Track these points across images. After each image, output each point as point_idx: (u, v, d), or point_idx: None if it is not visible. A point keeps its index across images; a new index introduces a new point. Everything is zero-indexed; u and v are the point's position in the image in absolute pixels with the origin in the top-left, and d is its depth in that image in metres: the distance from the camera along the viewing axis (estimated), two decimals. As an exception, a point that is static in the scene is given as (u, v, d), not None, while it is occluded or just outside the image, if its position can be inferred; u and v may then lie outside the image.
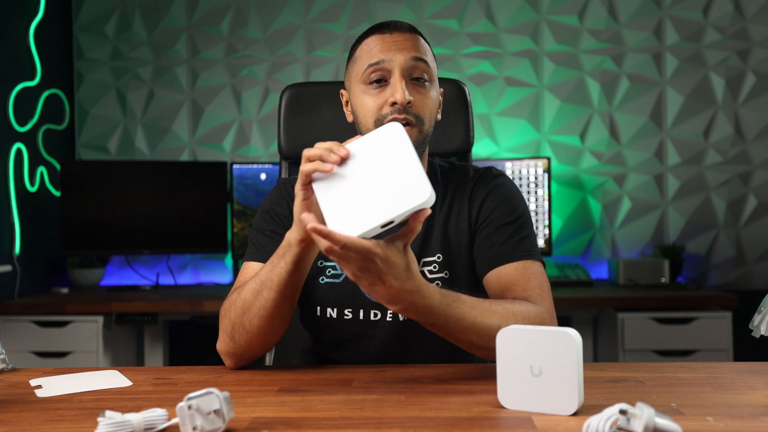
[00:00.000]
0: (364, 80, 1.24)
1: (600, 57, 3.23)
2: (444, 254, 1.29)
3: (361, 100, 1.25)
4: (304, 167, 0.99)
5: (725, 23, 3.18)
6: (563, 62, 3.24)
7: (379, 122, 1.22)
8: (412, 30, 1.27)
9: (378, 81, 1.23)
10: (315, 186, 0.98)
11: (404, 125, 1.21)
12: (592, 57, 3.23)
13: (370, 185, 0.95)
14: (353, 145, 0.99)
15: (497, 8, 3.26)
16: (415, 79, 1.24)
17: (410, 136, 1.21)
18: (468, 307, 1.07)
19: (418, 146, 1.24)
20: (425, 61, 1.24)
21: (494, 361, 0.93)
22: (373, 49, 1.24)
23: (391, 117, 1.21)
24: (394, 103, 1.21)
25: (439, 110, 1.31)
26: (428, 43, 1.29)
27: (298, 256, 1.07)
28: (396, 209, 0.92)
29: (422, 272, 1.29)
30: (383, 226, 0.93)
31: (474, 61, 3.26)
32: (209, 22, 3.33)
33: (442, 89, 1.33)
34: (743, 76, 3.17)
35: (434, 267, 1.29)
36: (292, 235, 1.08)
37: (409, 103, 1.21)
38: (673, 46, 3.20)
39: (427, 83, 1.25)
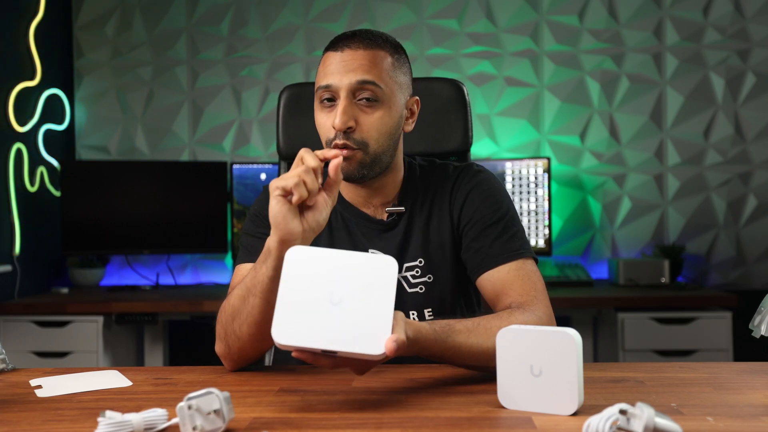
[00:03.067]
0: (318, 98, 1.23)
1: (600, 57, 3.23)
2: (426, 258, 1.28)
3: (317, 117, 1.24)
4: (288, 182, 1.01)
5: (725, 23, 3.18)
6: (563, 62, 3.24)
7: (328, 144, 1.22)
8: (367, 46, 1.22)
9: (329, 99, 1.22)
10: (282, 278, 0.93)
11: (344, 148, 1.19)
12: (592, 57, 3.23)
13: (335, 307, 0.90)
14: (345, 255, 0.94)
15: (497, 8, 3.26)
16: (363, 99, 1.21)
17: (353, 159, 1.20)
18: (464, 337, 1.06)
19: (364, 167, 1.22)
20: (372, 82, 1.20)
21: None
22: (326, 69, 1.22)
23: (333, 144, 1.20)
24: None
25: (410, 121, 1.29)
26: (397, 54, 1.25)
27: (278, 260, 1.05)
28: (344, 346, 0.89)
29: (405, 278, 1.29)
30: (324, 352, 0.90)
31: (474, 61, 3.26)
32: (209, 22, 3.33)
33: (416, 97, 1.30)
34: (743, 76, 3.17)
35: (416, 272, 1.28)
36: (271, 240, 1.06)
37: (350, 128, 1.19)
38: (673, 46, 3.20)
39: (376, 103, 1.21)
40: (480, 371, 1.11)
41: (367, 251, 1.27)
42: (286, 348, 0.90)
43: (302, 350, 0.90)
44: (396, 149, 1.27)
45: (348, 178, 1.23)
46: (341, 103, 1.20)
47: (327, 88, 1.21)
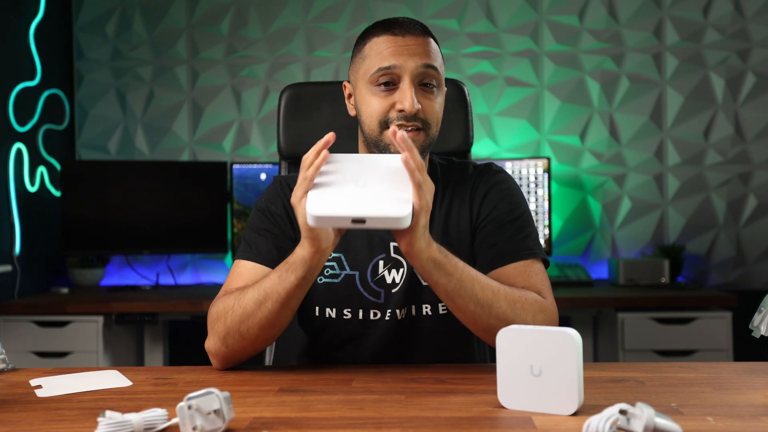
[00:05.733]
0: (372, 81, 1.23)
1: (600, 57, 3.23)
2: None
3: (368, 100, 1.24)
4: (308, 173, 1.04)
5: (725, 23, 3.18)
6: (563, 62, 3.24)
7: (384, 125, 1.22)
8: (424, 32, 1.25)
9: (386, 83, 1.22)
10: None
11: (410, 130, 1.21)
12: (592, 57, 3.23)
13: (362, 188, 1.02)
14: (367, 156, 1.09)
15: (497, 8, 3.26)
16: (423, 84, 1.23)
17: (417, 140, 1.22)
18: (474, 272, 1.12)
19: (424, 150, 1.25)
20: (435, 68, 1.23)
21: (493, 356, 0.93)
22: (383, 51, 1.22)
23: (397, 123, 1.21)
24: (401, 110, 1.20)
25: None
26: (437, 44, 1.28)
27: (309, 270, 1.08)
28: (371, 211, 0.99)
29: None
30: (354, 221, 0.99)
31: (474, 61, 3.26)
32: (209, 22, 3.33)
33: (446, 89, 1.33)
34: (743, 76, 3.17)
35: None
36: (304, 251, 1.07)
37: (417, 110, 1.21)
38: (673, 46, 3.20)
39: (435, 89, 1.24)
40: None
41: (387, 244, 1.28)
42: (319, 220, 1.00)
43: (334, 219, 1.00)
44: None
45: None
46: (408, 86, 1.20)
47: (389, 69, 1.21)
